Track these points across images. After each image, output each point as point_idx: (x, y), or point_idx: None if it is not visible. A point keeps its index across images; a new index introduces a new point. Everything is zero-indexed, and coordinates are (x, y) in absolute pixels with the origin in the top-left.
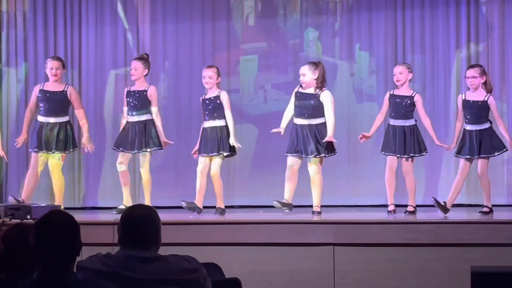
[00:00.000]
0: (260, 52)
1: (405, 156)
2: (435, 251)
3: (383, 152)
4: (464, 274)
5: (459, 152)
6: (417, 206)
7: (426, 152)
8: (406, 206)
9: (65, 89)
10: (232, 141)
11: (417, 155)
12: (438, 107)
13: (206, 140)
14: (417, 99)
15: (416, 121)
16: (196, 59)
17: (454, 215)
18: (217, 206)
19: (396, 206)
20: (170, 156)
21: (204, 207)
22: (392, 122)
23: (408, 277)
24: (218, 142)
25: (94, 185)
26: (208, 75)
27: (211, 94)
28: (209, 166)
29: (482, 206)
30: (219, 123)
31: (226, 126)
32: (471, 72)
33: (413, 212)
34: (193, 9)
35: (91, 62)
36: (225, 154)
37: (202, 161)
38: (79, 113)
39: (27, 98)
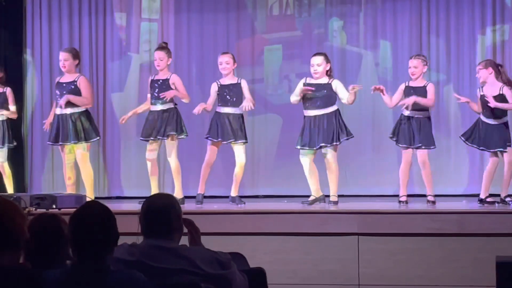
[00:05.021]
0: (284, 41)
1: (419, 147)
2: (460, 241)
3: (399, 144)
4: (489, 264)
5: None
6: (443, 196)
7: (434, 147)
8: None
9: (76, 79)
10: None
11: (423, 147)
12: (463, 95)
13: (221, 127)
14: (429, 88)
15: (429, 114)
16: (220, 49)
17: (479, 204)
18: (235, 195)
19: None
20: (194, 145)
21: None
22: (406, 113)
23: (433, 267)
24: (235, 130)
25: (119, 175)
26: (225, 61)
27: (228, 80)
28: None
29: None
30: (237, 110)
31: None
32: (477, 67)
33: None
34: None
35: (116, 51)
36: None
37: (214, 150)
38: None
39: (51, 88)
